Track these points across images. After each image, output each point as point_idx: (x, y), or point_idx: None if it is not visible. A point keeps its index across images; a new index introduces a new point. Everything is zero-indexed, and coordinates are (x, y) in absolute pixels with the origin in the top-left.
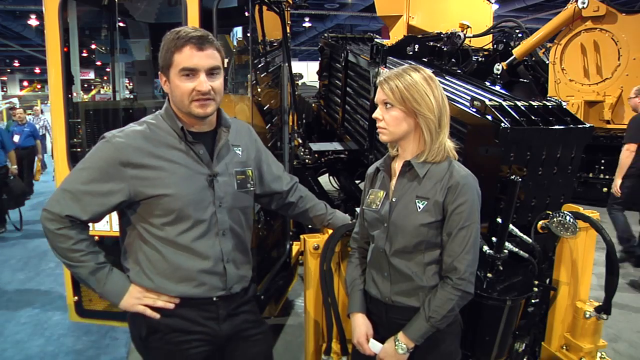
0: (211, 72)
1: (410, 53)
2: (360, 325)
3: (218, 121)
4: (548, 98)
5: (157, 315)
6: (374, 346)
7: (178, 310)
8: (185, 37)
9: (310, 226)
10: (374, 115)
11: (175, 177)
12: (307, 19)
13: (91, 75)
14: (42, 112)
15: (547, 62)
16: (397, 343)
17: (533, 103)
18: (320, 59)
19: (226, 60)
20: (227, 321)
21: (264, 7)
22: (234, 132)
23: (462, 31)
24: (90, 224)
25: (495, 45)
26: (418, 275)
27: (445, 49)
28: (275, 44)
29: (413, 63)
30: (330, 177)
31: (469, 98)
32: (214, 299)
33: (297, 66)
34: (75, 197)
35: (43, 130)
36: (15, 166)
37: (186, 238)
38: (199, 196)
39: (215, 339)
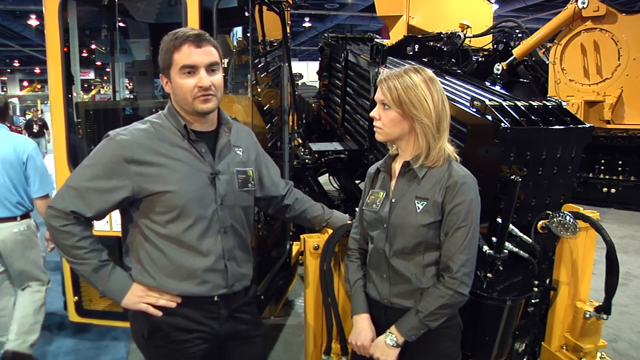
0: (210, 68)
1: (410, 53)
2: (365, 328)
3: (219, 121)
4: (548, 98)
5: (159, 314)
6: None
7: (180, 309)
8: (182, 36)
9: (309, 227)
10: (371, 114)
11: (178, 174)
12: (307, 19)
13: (91, 75)
14: None
15: (547, 62)
16: (388, 335)
17: (533, 103)
18: (320, 59)
19: (225, 60)
20: (228, 322)
21: (264, 7)
22: (235, 133)
23: (462, 31)
24: (92, 222)
25: (495, 45)
26: (417, 277)
27: (445, 49)
28: (275, 44)
29: (413, 63)
30: (330, 177)
31: (469, 98)
32: (215, 298)
33: (297, 66)
34: (79, 193)
35: None
36: None
37: (188, 235)
38: (201, 193)
39: (216, 337)
